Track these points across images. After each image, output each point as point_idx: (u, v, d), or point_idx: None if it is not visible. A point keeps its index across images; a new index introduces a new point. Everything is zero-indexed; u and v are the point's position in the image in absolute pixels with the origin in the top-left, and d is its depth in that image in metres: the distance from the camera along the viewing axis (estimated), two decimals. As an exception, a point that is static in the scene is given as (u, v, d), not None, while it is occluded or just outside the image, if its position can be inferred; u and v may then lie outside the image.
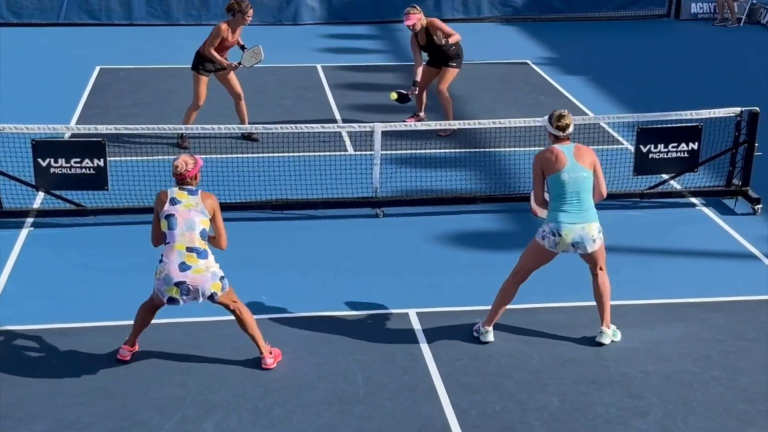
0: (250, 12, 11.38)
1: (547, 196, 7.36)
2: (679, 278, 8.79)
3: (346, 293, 8.42)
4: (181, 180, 6.94)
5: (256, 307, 8.08)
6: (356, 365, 7.29)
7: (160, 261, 6.85)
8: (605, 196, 7.47)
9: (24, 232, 9.48)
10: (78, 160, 9.59)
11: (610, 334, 7.56)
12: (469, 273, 8.87)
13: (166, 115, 12.84)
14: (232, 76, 11.71)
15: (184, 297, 6.82)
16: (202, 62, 11.50)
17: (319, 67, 15.70)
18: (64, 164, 9.60)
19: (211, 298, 6.89)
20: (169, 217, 6.84)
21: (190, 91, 11.80)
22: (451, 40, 11.99)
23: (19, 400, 6.79)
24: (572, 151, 7.22)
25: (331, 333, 7.73)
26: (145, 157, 11.15)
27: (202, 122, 11.61)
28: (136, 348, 7.30)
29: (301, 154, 11.26)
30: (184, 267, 6.76)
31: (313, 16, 18.98)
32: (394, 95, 12.22)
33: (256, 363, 7.23)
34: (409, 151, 11.54)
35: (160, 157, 11.16)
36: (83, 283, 8.53)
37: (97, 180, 9.66)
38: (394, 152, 11.43)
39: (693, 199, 10.47)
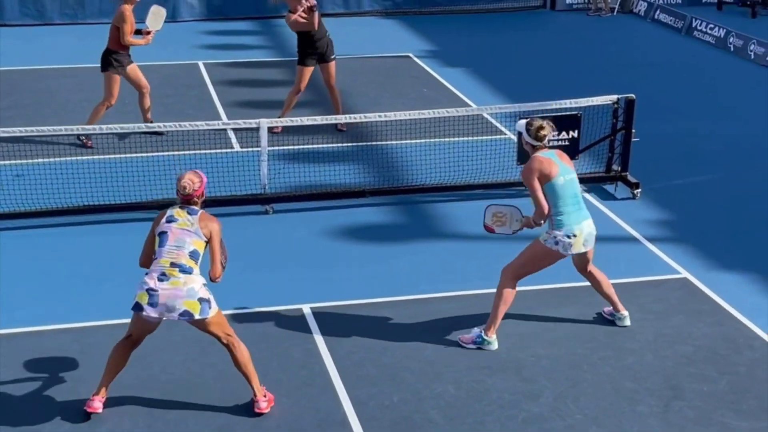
0: None
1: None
2: (563, 262, 8.95)
3: (238, 291, 8.35)
4: (188, 200, 6.58)
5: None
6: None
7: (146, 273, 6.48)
8: None
9: None
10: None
11: (627, 315, 7.84)
12: (360, 266, 8.92)
13: (44, 116, 12.49)
14: (137, 69, 11.53)
15: (151, 308, 6.32)
16: (113, 59, 11.33)
17: (200, 64, 15.52)
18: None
19: (186, 316, 6.35)
20: (161, 234, 6.49)
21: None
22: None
23: None
24: (556, 154, 7.32)
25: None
26: (25, 161, 10.82)
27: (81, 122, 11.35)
28: (105, 396, 6.63)
29: (187, 152, 11.11)
30: (162, 278, 6.36)
31: (192, 13, 18.74)
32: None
33: (150, 365, 7.11)
34: (296, 147, 11.52)
35: (39, 160, 10.85)
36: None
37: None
38: (281, 148, 11.39)
39: (575, 186, 10.73)
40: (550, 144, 7.41)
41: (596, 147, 10.84)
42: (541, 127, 7.28)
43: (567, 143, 10.56)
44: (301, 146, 11.57)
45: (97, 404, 6.57)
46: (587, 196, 10.52)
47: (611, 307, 7.87)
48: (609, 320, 7.92)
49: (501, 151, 11.10)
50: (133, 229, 9.50)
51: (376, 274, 8.72)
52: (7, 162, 10.77)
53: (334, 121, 11.30)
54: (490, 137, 11.85)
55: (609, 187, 10.70)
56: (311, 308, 8.07)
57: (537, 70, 15.53)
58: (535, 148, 7.32)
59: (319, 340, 7.59)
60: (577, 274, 8.71)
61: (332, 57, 12.09)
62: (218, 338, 6.62)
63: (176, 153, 11.04)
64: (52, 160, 10.85)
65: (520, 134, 7.49)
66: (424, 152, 11.14)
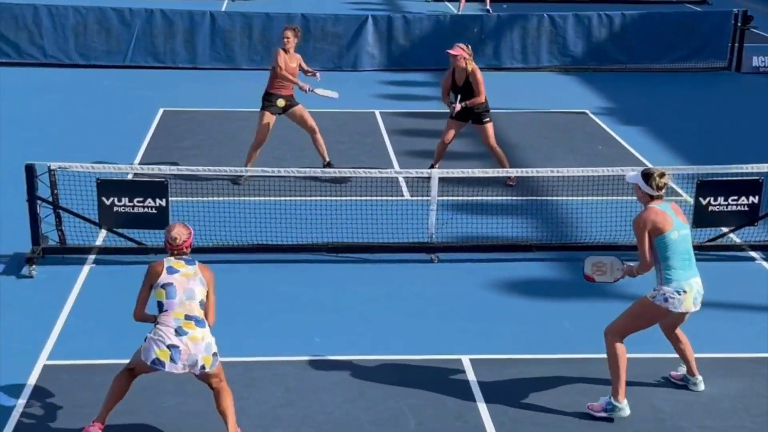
0: (286, 33, 11.88)
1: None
2: (737, 332, 8.67)
3: (399, 337, 8.44)
4: (179, 251, 6.75)
5: (309, 348, 8.15)
6: (408, 410, 7.29)
7: (156, 324, 6.58)
8: None
9: (86, 269, 9.67)
10: (141, 199, 9.77)
11: (702, 380, 7.65)
12: (522, 321, 8.84)
13: (225, 157, 13.05)
14: (303, 111, 11.97)
15: (173, 363, 6.46)
16: (269, 100, 11.85)
17: (377, 112, 15.86)
18: (127, 203, 9.79)
19: (202, 370, 6.55)
20: (166, 286, 6.59)
21: (250, 135, 12.02)
22: (477, 101, 11.91)
23: (75, 433, 6.89)
24: (671, 208, 7.15)
25: (383, 376, 7.74)
26: (204, 198, 11.33)
27: (263, 164, 11.78)
28: (104, 425, 6.80)
29: (359, 198, 11.35)
30: (180, 332, 6.48)
31: (373, 63, 19.20)
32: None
33: (309, 404, 7.25)
34: (465, 198, 11.58)
35: (219, 198, 11.34)
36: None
37: (159, 219, 9.82)
38: (450, 198, 11.47)
39: (753, 253, 10.34)
40: (723, 205, 7.34)
41: (777, 214, 10.42)
42: (662, 175, 7.10)
43: (746, 208, 10.21)
44: (471, 197, 11.62)
45: (96, 431, 6.70)
46: (765, 264, 10.11)
47: (682, 371, 7.68)
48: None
49: (675, 213, 10.80)
50: (300, 270, 9.76)
51: (538, 330, 8.62)
52: (188, 198, 11.29)
53: (504, 174, 11.30)
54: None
55: (789, 257, 10.25)
56: (470, 359, 8.05)
57: (718, 133, 15.09)
58: (652, 199, 7.12)
59: (476, 391, 7.56)
60: (749, 344, 8.41)
61: (486, 120, 12.08)
62: (210, 383, 6.72)
63: (350, 199, 11.29)
64: (225, 199, 11.31)
65: (636, 186, 7.22)
66: (595, 210, 10.98)
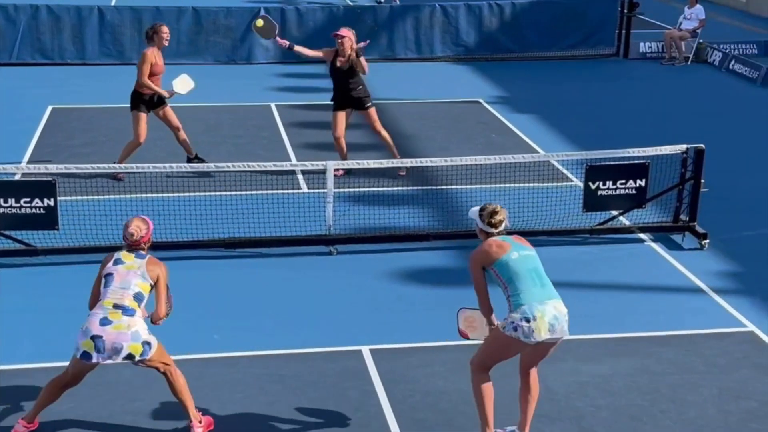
0: (164, 29, 11.55)
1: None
2: (628, 313, 8.91)
3: (299, 330, 8.42)
4: (135, 246, 6.71)
5: (207, 346, 8.07)
6: (309, 403, 7.28)
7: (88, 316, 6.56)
8: None
9: (-27, 273, 9.39)
10: (28, 199, 9.52)
11: None
12: (422, 309, 8.92)
13: (117, 153, 12.77)
14: (169, 110, 11.80)
15: (99, 354, 6.40)
16: (140, 100, 11.62)
17: (273, 105, 15.77)
18: (14, 204, 9.52)
19: (129, 359, 6.47)
20: (107, 276, 6.60)
21: (147, 131, 11.84)
22: (365, 72, 11.88)
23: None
24: (511, 238, 6.56)
25: (283, 371, 7.72)
26: (96, 196, 11.10)
27: (156, 161, 11.61)
28: (35, 425, 6.76)
29: (255, 192, 11.27)
30: (104, 322, 6.43)
31: (267, 56, 19.07)
32: (260, 22, 11.86)
33: (208, 403, 7.19)
34: (362, 189, 11.61)
35: (112, 196, 11.12)
36: (32, 324, 8.44)
37: (48, 219, 9.59)
38: (347, 190, 11.49)
39: (641, 235, 10.63)
40: (612, 189, 6.74)
41: (664, 197, 10.73)
42: (494, 213, 6.52)
43: (634, 191, 10.48)
44: (367, 188, 11.66)
45: (22, 429, 6.68)
46: (653, 245, 10.40)
47: (515, 428, 6.78)
48: (670, 373, 7.78)
49: (567, 198, 11.05)
50: (195, 266, 9.66)
51: (436, 318, 8.70)
52: (78, 197, 11.04)
53: (399, 165, 11.36)
54: (556, 184, 11.80)
55: (676, 237, 10.56)
56: (370, 350, 8.08)
57: (607, 118, 15.46)
58: (489, 235, 6.54)
59: (376, 382, 7.60)
60: (639, 324, 8.67)
61: (368, 105, 12.04)
62: (157, 369, 6.71)
63: (246, 193, 11.20)
64: (118, 196, 11.11)
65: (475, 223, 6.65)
66: (490, 197, 11.12)
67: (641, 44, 20.13)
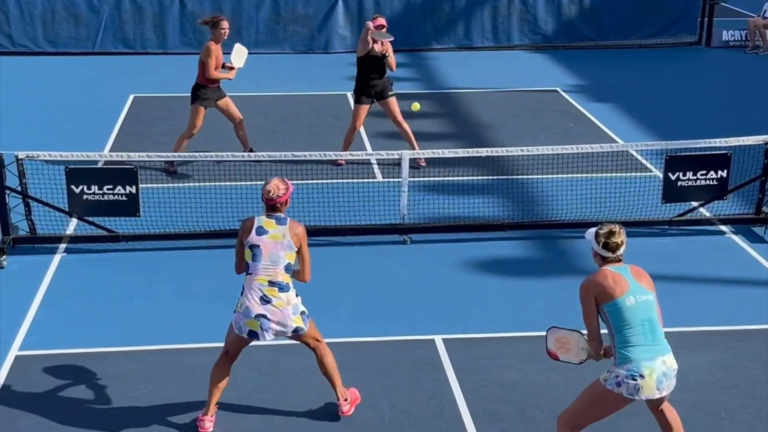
0: (223, 24, 11.57)
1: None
2: (708, 306, 8.76)
3: (373, 319, 8.46)
4: (272, 205, 6.61)
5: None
6: (382, 391, 7.32)
7: (241, 293, 6.61)
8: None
9: (57, 258, 9.63)
10: (110, 186, 9.73)
11: None
12: (495, 300, 8.89)
13: (197, 142, 12.97)
14: (230, 102, 11.85)
15: (264, 332, 6.53)
16: (201, 93, 11.67)
17: (349, 95, 15.80)
18: (96, 191, 9.74)
19: (296, 333, 6.62)
20: (253, 247, 6.53)
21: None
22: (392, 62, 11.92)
23: (46, 425, 6.88)
24: (629, 271, 5.94)
25: (356, 358, 7.77)
26: (176, 184, 11.29)
27: (227, 149, 11.75)
28: (213, 418, 6.81)
29: (331, 181, 11.35)
30: (264, 300, 6.50)
31: (344, 45, 19.14)
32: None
33: (283, 389, 7.27)
34: (436, 179, 11.60)
35: (191, 184, 11.31)
36: (114, 309, 8.64)
37: (129, 206, 9.79)
38: (421, 179, 11.49)
39: (722, 227, 10.43)
40: (692, 179, 6.09)
41: (746, 188, 10.51)
42: (611, 233, 5.92)
43: (715, 182, 10.29)
44: (442, 178, 11.64)
45: (208, 425, 6.76)
46: (734, 237, 10.20)
47: None
48: (750, 368, 7.63)
49: (646, 189, 10.89)
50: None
51: (510, 309, 8.67)
52: (159, 185, 11.24)
53: (476, 155, 11.26)
54: (635, 174, 11.64)
55: (758, 230, 10.33)
56: (443, 339, 8.08)
57: (688, 108, 15.17)
58: (606, 261, 5.96)
59: (449, 372, 7.60)
60: (719, 317, 8.52)
61: (390, 93, 11.99)
62: (307, 344, 6.80)
63: (322, 182, 11.29)
64: (197, 184, 11.29)
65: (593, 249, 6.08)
66: (567, 188, 11.04)
67: (724, 32, 19.69)
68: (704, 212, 10.60)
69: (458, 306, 8.75)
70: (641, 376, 5.72)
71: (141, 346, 7.96)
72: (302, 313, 6.64)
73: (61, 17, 18.58)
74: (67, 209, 9.89)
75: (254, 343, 6.84)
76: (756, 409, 7.12)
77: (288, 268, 6.60)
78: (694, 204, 10.49)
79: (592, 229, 6.06)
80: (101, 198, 9.76)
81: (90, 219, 9.89)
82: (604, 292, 5.81)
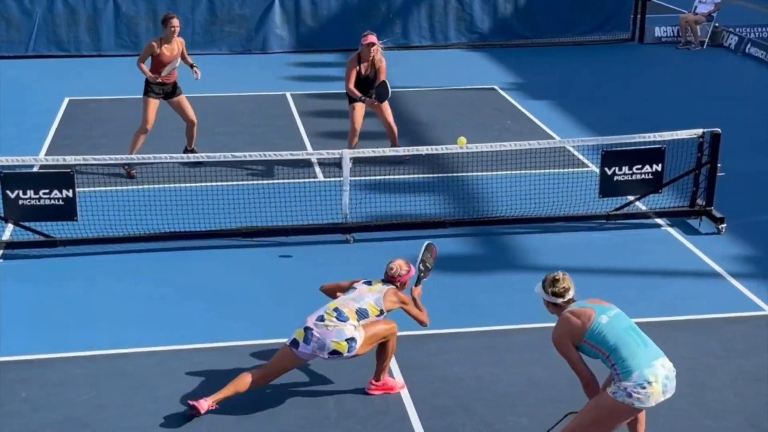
0: (172, 22, 11.68)
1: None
2: (646, 297, 8.92)
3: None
4: (391, 281, 7.22)
5: (229, 334, 8.13)
6: (328, 390, 7.33)
7: None
8: None
9: (-7, 264, 9.48)
10: (47, 191, 9.60)
11: None
12: (438, 296, 8.92)
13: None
14: (184, 102, 11.85)
15: (305, 345, 6.84)
16: (147, 86, 11.76)
17: (288, 95, 15.80)
18: (32, 196, 9.60)
19: (335, 355, 6.86)
20: (352, 289, 7.21)
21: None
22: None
23: (-11, 432, 6.77)
24: (586, 302, 6.12)
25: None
26: (114, 187, 11.17)
27: (173, 151, 11.66)
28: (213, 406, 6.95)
29: (271, 181, 11.32)
30: (320, 319, 6.93)
31: (282, 45, 19.09)
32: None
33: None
34: (377, 177, 11.64)
35: (130, 187, 11.20)
36: (53, 314, 8.52)
37: (67, 211, 9.67)
38: (363, 178, 11.52)
39: (658, 220, 10.63)
40: (628, 174, 6.35)
41: (681, 181, 10.71)
42: (555, 280, 6.07)
43: (651, 176, 10.47)
44: (383, 177, 11.68)
45: (204, 404, 6.87)
46: (670, 230, 10.40)
47: None
48: (688, 357, 7.79)
49: (583, 184, 11.04)
50: (214, 256, 9.72)
51: (453, 305, 8.74)
52: (96, 189, 11.11)
53: (416, 153, 11.36)
54: (572, 170, 11.81)
55: (693, 222, 10.55)
56: (388, 337, 8.11)
57: (623, 104, 15.41)
58: (558, 307, 6.11)
59: (395, 368, 7.63)
60: (656, 309, 8.68)
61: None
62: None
63: (262, 182, 11.26)
64: (136, 187, 11.19)
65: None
66: (506, 184, 11.16)
67: (656, 29, 20.04)
68: (640, 206, 10.78)
69: (401, 303, 8.78)
70: (649, 383, 5.82)
71: (81, 352, 7.86)
72: (348, 339, 6.87)
73: (-8, 20, 18.25)
74: (2, 215, 9.73)
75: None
76: (694, 396, 7.27)
77: (361, 313, 7.01)
78: (631, 198, 10.66)
79: (538, 284, 6.20)
80: (37, 203, 9.62)
81: (27, 224, 9.74)
82: (575, 333, 5.93)
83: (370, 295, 7.08)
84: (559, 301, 6.07)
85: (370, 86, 12.03)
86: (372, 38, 11.99)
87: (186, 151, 12.08)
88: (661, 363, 5.92)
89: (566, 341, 5.92)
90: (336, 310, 6.95)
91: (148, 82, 11.80)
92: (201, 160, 10.97)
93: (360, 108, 12.09)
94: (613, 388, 5.90)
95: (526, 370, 7.63)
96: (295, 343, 6.88)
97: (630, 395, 5.82)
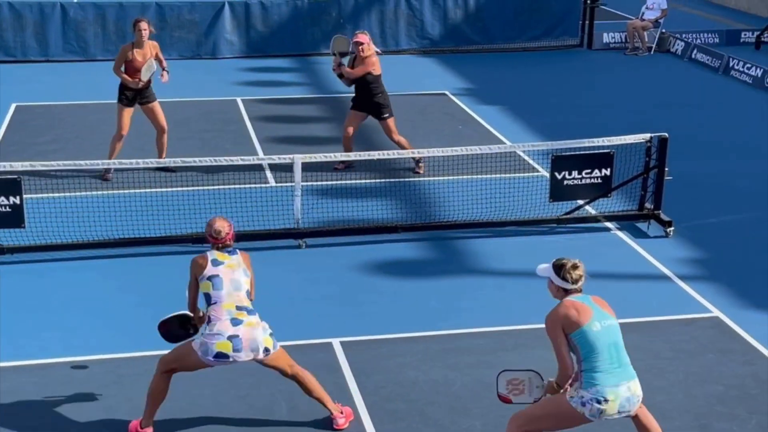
0: (139, 25, 11.70)
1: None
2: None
3: (272, 324, 8.37)
4: (222, 244, 6.83)
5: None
6: (280, 396, 7.31)
7: (208, 321, 6.59)
8: None
9: (-61, 273, 9.31)
10: (-6, 197, 9.46)
11: None
12: (391, 300, 8.97)
13: (85, 150, 12.71)
14: (157, 109, 11.79)
15: (237, 353, 6.53)
16: (121, 93, 11.67)
17: (239, 100, 15.74)
18: (-21, 202, 9.46)
19: (267, 352, 6.63)
20: (213, 278, 6.69)
21: (111, 127, 11.78)
22: (352, 74, 12.00)
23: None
24: (590, 299, 6.09)
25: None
26: (63, 194, 11.04)
27: (121, 156, 11.56)
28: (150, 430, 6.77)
29: (222, 186, 11.27)
30: (236, 322, 6.57)
31: (232, 50, 19.01)
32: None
33: (180, 396, 7.19)
34: (329, 182, 11.63)
35: (79, 193, 11.07)
36: (0, 323, 8.39)
37: (14, 217, 9.54)
38: (315, 183, 11.51)
39: (607, 224, 10.74)
40: (578, 178, 6.43)
41: (629, 185, 10.84)
42: (575, 267, 6.07)
43: (600, 180, 10.59)
44: (335, 182, 11.68)
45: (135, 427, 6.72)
46: (619, 234, 10.52)
47: None
48: (637, 359, 7.85)
49: (533, 188, 11.14)
50: (164, 262, 9.64)
51: (406, 309, 8.76)
52: (45, 195, 10.97)
53: (367, 158, 11.36)
54: (523, 174, 11.90)
55: (642, 225, 10.68)
56: (341, 342, 8.12)
57: (572, 109, 15.57)
58: (567, 293, 6.09)
59: (348, 374, 7.64)
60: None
61: (386, 116, 12.04)
62: (283, 371, 6.82)
63: (213, 188, 11.19)
64: (86, 193, 11.07)
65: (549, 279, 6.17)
66: (457, 189, 11.21)
67: (605, 35, 20.27)
68: (590, 210, 10.90)
69: (355, 308, 8.80)
70: (606, 400, 5.87)
71: (30, 360, 7.76)
72: (271, 334, 6.71)
73: (-64, 25, 17.94)
74: (-52, 222, 9.57)
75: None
76: (645, 397, 7.33)
77: (248, 294, 6.76)
78: (580, 202, 10.78)
79: (545, 265, 6.17)
80: (-16, 210, 9.47)
81: (-27, 231, 9.60)
82: (570, 323, 5.93)
83: (238, 274, 6.72)
84: (572, 287, 6.06)
85: (367, 84, 11.99)
86: (361, 38, 11.96)
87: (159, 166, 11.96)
88: (627, 386, 5.97)
89: (559, 327, 5.96)
90: (238, 307, 6.61)
91: (122, 89, 11.70)
92: (149, 165, 10.88)
93: (353, 114, 12.07)
94: (572, 392, 5.98)
95: (480, 373, 7.66)
96: (222, 356, 6.52)
97: (584, 404, 5.89)
